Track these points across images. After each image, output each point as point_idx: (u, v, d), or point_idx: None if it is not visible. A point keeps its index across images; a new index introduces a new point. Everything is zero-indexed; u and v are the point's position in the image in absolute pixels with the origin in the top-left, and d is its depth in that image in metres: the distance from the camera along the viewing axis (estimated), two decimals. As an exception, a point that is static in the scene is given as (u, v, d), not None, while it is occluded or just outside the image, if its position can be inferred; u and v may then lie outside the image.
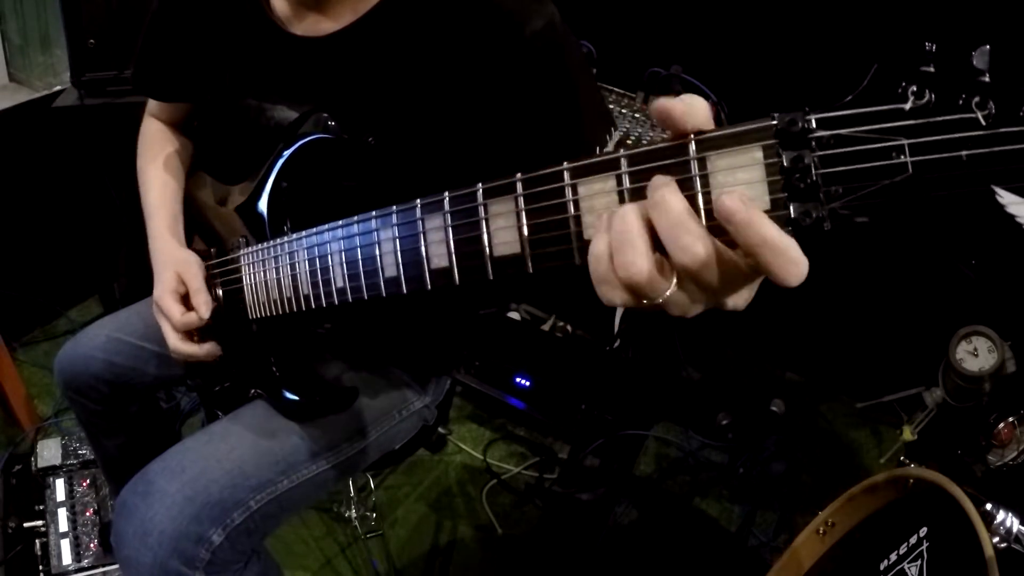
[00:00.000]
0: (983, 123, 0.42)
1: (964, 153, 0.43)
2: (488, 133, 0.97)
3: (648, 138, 1.85)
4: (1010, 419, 1.71)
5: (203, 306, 1.06)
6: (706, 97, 1.93)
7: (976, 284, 1.90)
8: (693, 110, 0.50)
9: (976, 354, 1.87)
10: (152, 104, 1.29)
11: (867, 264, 2.09)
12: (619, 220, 0.50)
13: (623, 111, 1.93)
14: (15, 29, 2.25)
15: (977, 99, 0.43)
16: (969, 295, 2.03)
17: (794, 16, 1.98)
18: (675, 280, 0.50)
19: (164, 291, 1.09)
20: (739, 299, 0.53)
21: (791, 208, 0.47)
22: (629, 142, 1.84)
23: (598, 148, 0.93)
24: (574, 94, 0.97)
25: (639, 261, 0.49)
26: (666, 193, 0.49)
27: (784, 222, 0.47)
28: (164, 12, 1.15)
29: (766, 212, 0.47)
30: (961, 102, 0.43)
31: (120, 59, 1.83)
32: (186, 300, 1.10)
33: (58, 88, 2.11)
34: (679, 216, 0.48)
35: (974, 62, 0.43)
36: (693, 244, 0.47)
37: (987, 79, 0.43)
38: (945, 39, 0.45)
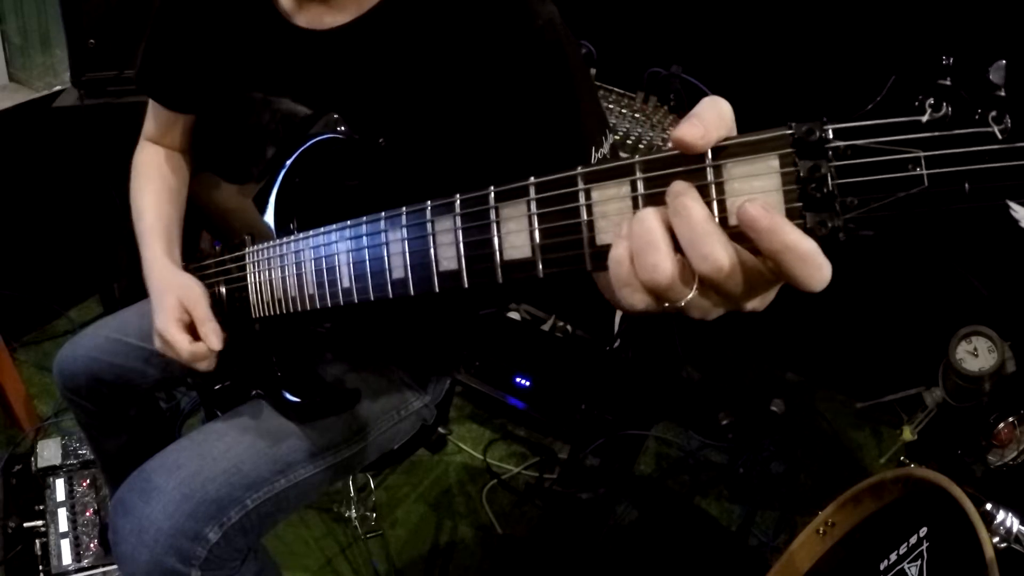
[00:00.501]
0: (999, 137, 0.43)
1: (980, 167, 0.43)
2: (490, 129, 0.97)
3: (648, 138, 1.85)
4: (1010, 419, 1.71)
5: (212, 335, 1.03)
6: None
7: (988, 297, 1.90)
8: (710, 128, 0.49)
9: (976, 354, 1.87)
10: (148, 127, 1.27)
11: (867, 264, 2.09)
12: (639, 223, 0.50)
13: (623, 111, 1.93)
14: (15, 29, 2.25)
15: (994, 113, 0.43)
16: (969, 295, 2.03)
17: (796, 15, 1.98)
18: (696, 284, 0.50)
19: (168, 320, 1.05)
20: (759, 302, 0.53)
21: (807, 218, 0.47)
22: (629, 142, 1.84)
23: (593, 148, 0.94)
24: (573, 91, 0.97)
25: (663, 263, 0.49)
26: (687, 201, 0.49)
27: None
28: (168, 7, 1.14)
29: None
30: (977, 116, 0.43)
31: (120, 59, 1.83)
32: (191, 328, 1.06)
33: (58, 88, 2.11)
34: (701, 224, 0.48)
35: (990, 76, 0.43)
36: (714, 252, 0.47)
37: (1003, 93, 0.43)
38: (961, 53, 0.45)
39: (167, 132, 1.26)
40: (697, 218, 0.48)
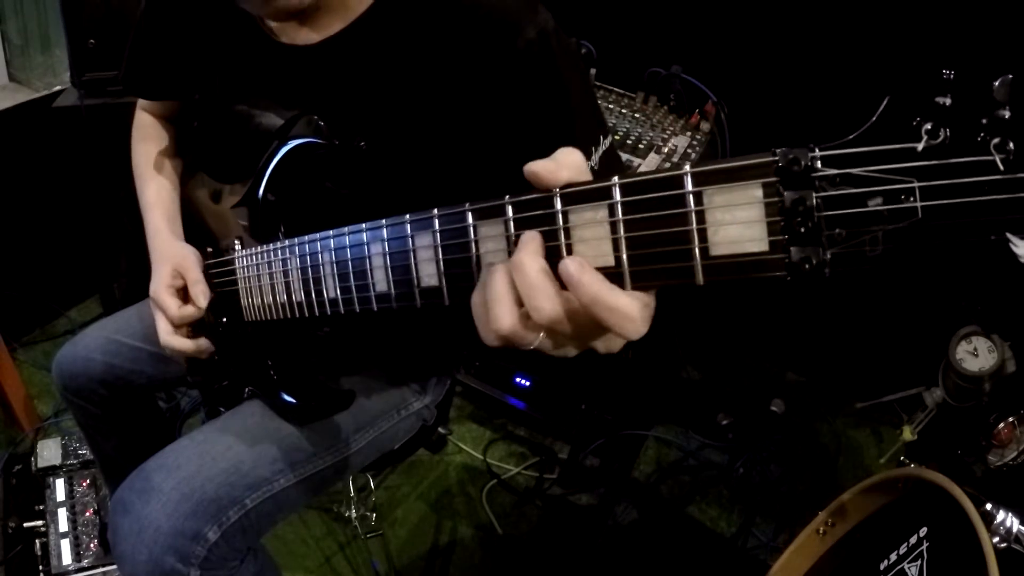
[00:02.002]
0: (1001, 167, 0.40)
1: (979, 199, 0.40)
2: (478, 139, 0.96)
3: (648, 138, 1.85)
4: (1010, 419, 1.70)
5: (200, 296, 1.07)
6: (706, 97, 1.93)
7: (982, 311, 1.89)
8: (560, 166, 0.54)
9: (976, 354, 1.87)
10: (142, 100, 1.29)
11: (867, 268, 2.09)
12: (490, 278, 0.56)
13: (623, 111, 1.93)
14: (15, 29, 2.25)
15: (996, 140, 0.40)
16: (969, 296, 2.02)
17: (795, 15, 1.98)
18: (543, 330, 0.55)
19: (160, 285, 1.10)
20: (611, 344, 0.57)
21: (791, 252, 0.45)
22: (629, 142, 1.84)
23: (591, 150, 0.93)
24: (566, 103, 0.95)
25: (504, 318, 0.55)
26: (523, 256, 0.54)
27: (782, 266, 0.45)
28: (151, 16, 1.15)
29: (764, 254, 0.46)
30: (979, 139, 0.41)
31: (120, 59, 1.83)
32: (183, 294, 1.10)
33: (58, 88, 2.11)
34: (533, 279, 0.53)
35: (995, 93, 0.40)
36: (543, 305, 0.53)
37: (1007, 114, 0.40)
38: (965, 66, 0.42)
39: (159, 105, 1.29)
40: (529, 273, 0.53)
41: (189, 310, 1.08)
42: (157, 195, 1.22)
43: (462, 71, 0.94)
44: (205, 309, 1.07)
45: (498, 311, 0.55)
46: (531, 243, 0.55)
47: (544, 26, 0.93)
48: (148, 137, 1.27)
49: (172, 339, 1.10)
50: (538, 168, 0.54)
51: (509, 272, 0.55)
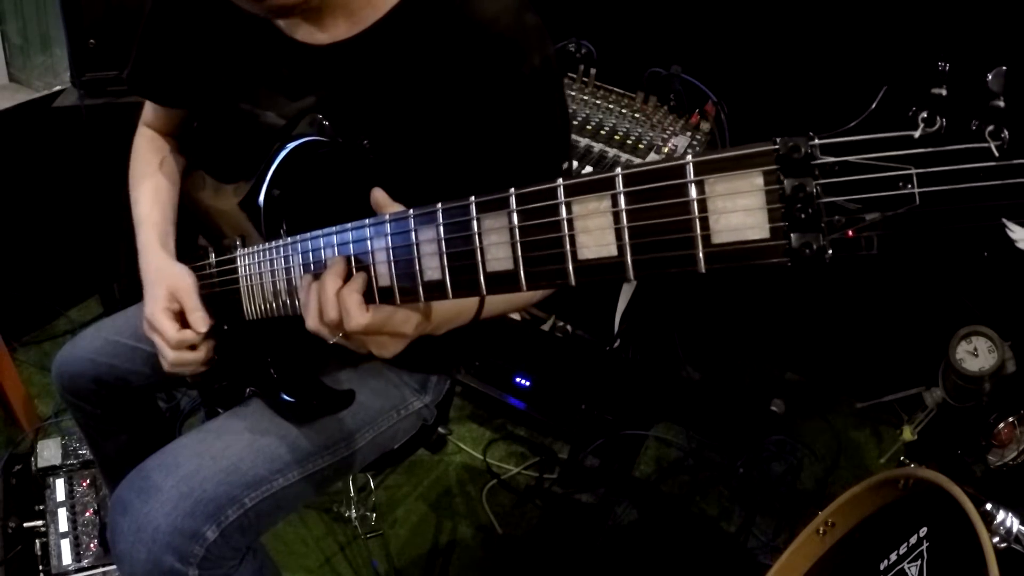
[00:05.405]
0: (996, 154, 0.41)
1: (975, 185, 0.41)
2: (473, 147, 0.98)
3: (648, 138, 1.85)
4: (1010, 419, 1.70)
5: (200, 323, 1.07)
6: (706, 97, 1.93)
7: (980, 313, 1.89)
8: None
9: (976, 354, 1.87)
10: (147, 113, 1.28)
11: (867, 264, 2.09)
12: (305, 288, 0.82)
13: (623, 111, 1.93)
14: (15, 29, 2.25)
15: (991, 128, 0.41)
16: (969, 295, 2.03)
17: (795, 15, 1.98)
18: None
19: (156, 308, 1.09)
20: (384, 351, 0.84)
21: (791, 238, 0.45)
22: (629, 142, 1.84)
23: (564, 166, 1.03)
24: (553, 125, 1.01)
25: (309, 320, 0.81)
26: (326, 278, 0.78)
27: (783, 252, 0.46)
28: (159, 13, 1.14)
29: (765, 240, 0.46)
30: (974, 128, 0.41)
31: (120, 59, 1.83)
32: (180, 317, 1.09)
33: (58, 88, 2.11)
34: (328, 296, 0.77)
35: (989, 84, 0.41)
36: (330, 313, 0.77)
37: (1001, 104, 0.41)
38: (959, 58, 0.43)
39: (164, 120, 1.27)
40: (327, 291, 0.77)
41: (187, 335, 1.07)
42: (150, 210, 1.20)
43: (466, 85, 0.96)
44: (203, 332, 1.07)
45: (306, 315, 0.82)
46: (335, 267, 0.78)
47: (548, 54, 0.97)
48: (146, 153, 1.26)
49: (178, 356, 1.09)
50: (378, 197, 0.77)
51: (317, 288, 0.79)
